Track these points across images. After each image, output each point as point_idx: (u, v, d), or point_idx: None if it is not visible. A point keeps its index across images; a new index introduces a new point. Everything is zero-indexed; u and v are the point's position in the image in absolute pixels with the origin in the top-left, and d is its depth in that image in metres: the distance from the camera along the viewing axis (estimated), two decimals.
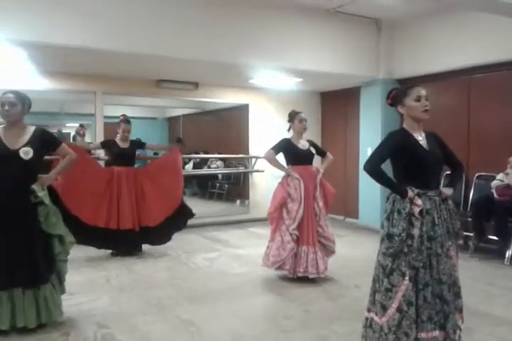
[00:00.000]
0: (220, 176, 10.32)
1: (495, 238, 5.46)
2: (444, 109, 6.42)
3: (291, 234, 4.41)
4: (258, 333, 3.37)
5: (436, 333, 2.51)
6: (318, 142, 7.29)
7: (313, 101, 8.73)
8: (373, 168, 2.60)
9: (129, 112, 9.94)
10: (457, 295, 2.65)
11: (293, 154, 4.63)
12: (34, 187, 3.21)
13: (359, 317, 2.82)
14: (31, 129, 3.31)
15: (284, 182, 4.58)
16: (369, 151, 6.55)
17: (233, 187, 9.83)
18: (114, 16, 5.13)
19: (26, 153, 3.17)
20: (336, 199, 4.98)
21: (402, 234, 2.50)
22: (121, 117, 5.72)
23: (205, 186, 10.61)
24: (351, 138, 8.04)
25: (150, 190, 5.57)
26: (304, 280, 4.47)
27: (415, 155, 2.60)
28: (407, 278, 2.50)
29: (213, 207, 9.53)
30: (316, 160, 4.83)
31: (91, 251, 5.57)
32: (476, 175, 6.17)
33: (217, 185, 10.31)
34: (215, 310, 3.83)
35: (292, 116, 4.72)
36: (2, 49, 5.00)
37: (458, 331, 2.58)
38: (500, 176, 5.57)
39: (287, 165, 4.68)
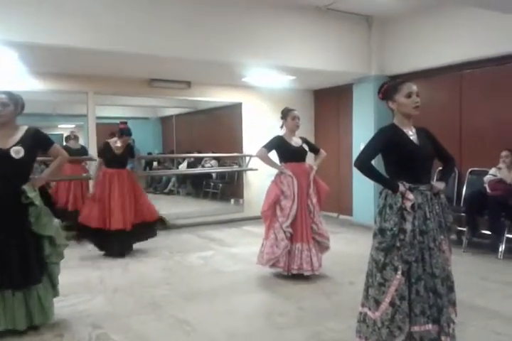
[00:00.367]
0: (214, 175, 10.32)
1: (488, 232, 5.49)
2: (436, 105, 6.44)
3: (284, 232, 4.41)
4: (253, 331, 3.37)
5: (430, 326, 2.52)
6: (312, 139, 7.30)
7: (306, 99, 8.73)
8: (363, 163, 2.60)
9: (122, 112, 10.00)
10: (450, 289, 2.66)
11: (286, 151, 4.62)
12: (25, 187, 3.18)
13: (354, 314, 2.82)
14: (23, 129, 3.30)
15: (277, 180, 4.57)
16: (362, 148, 6.55)
17: (227, 186, 9.83)
18: (105, 16, 5.10)
19: (17, 152, 3.15)
20: (330, 196, 4.98)
21: (394, 229, 2.51)
22: (121, 126, 5.63)
23: (200, 185, 10.61)
24: (344, 135, 8.06)
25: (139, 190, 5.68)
26: (299, 277, 4.47)
27: (406, 150, 2.60)
28: (399, 272, 2.51)
29: (208, 206, 9.53)
30: (310, 157, 4.83)
31: (84, 251, 5.57)
32: (469, 170, 6.19)
33: (212, 184, 10.31)
34: (210, 308, 3.83)
35: (285, 114, 4.71)
36: None
37: (452, 324, 2.58)
38: (492, 171, 5.59)
39: (280, 162, 4.68)
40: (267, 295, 4.22)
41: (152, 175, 11.37)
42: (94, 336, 3.27)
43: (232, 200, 9.19)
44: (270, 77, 7.05)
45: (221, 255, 5.68)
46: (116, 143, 5.54)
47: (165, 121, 12.37)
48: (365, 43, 7.15)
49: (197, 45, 5.66)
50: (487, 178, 5.58)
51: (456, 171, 6.12)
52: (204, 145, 10.62)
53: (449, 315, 2.60)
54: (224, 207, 9.27)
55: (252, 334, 3.32)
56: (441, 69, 6.49)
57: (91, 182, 6.29)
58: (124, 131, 5.56)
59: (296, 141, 4.68)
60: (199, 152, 10.40)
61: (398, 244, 2.51)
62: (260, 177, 7.36)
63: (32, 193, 3.19)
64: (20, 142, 3.20)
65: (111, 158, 5.54)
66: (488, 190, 5.50)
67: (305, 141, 4.77)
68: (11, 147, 3.16)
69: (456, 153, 5.51)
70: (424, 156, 2.64)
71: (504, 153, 5.53)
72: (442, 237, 2.63)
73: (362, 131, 7.31)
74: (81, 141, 8.01)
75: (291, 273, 4.48)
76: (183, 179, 11.24)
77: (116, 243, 5.41)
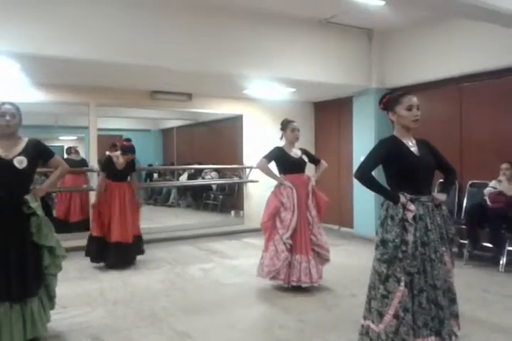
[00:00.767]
0: (214, 187, 10.30)
1: (489, 245, 5.47)
2: (436, 118, 6.47)
3: (284, 243, 4.40)
4: None
5: (432, 339, 2.51)
6: (312, 151, 7.30)
7: (307, 111, 8.78)
8: (364, 174, 2.61)
9: (123, 124, 10.03)
10: (453, 301, 2.65)
11: (285, 162, 4.63)
12: (28, 197, 3.19)
13: (355, 327, 2.80)
14: (25, 140, 3.32)
15: (276, 191, 4.57)
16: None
17: (228, 198, 9.81)
18: (107, 28, 5.16)
19: (20, 162, 3.17)
20: (330, 208, 4.98)
21: (396, 240, 2.51)
22: (125, 144, 5.63)
23: (200, 197, 10.58)
24: (345, 148, 8.07)
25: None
26: (299, 289, 4.45)
27: (406, 161, 2.62)
28: (402, 284, 2.50)
29: (208, 218, 9.49)
30: (311, 168, 4.84)
31: (84, 263, 5.54)
32: (469, 182, 6.19)
33: (212, 196, 10.28)
34: (210, 321, 3.80)
35: (285, 125, 4.73)
36: None
37: (454, 337, 2.57)
38: (492, 183, 5.60)
39: (280, 173, 4.68)
40: (267, 307, 4.19)
41: (152, 187, 11.37)
42: None
43: (233, 212, 9.15)
44: (271, 89, 7.09)
45: (221, 267, 5.65)
46: (119, 158, 5.57)
47: (166, 133, 12.39)
48: (366, 56, 7.21)
49: (198, 57, 5.71)
50: (487, 191, 5.57)
51: (457, 184, 6.12)
52: (205, 158, 10.62)
53: (451, 327, 2.59)
54: (224, 219, 9.23)
55: None
56: (440, 82, 6.53)
57: (92, 193, 6.31)
58: (128, 149, 5.59)
59: (295, 152, 4.68)
60: (199, 164, 10.41)
61: (400, 256, 2.51)
62: (260, 189, 7.35)
63: (34, 203, 3.20)
64: (23, 152, 3.22)
65: (112, 173, 5.57)
66: (488, 202, 5.50)
67: (305, 152, 4.78)
68: (15, 157, 3.17)
69: (456, 165, 5.48)
70: (424, 167, 2.65)
71: (504, 166, 5.54)
72: (444, 249, 2.63)
73: (362, 144, 7.32)
74: (82, 153, 8.05)
75: (290, 285, 4.46)
76: (183, 191, 11.22)
77: (117, 255, 5.40)
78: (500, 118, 5.95)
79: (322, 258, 4.60)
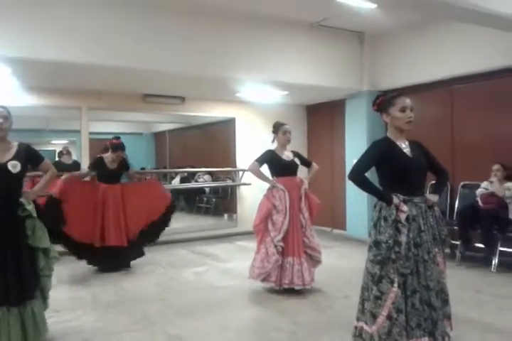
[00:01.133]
0: (207, 190, 10.29)
1: (481, 246, 5.49)
2: (428, 119, 6.50)
3: (275, 246, 4.39)
4: None
5: (426, 340, 2.51)
6: (305, 154, 7.32)
7: (299, 114, 8.80)
8: (357, 175, 2.62)
9: (115, 128, 10.00)
10: (445, 302, 2.66)
11: (277, 165, 4.63)
12: (22, 200, 3.18)
13: (349, 328, 2.80)
14: (15, 144, 3.30)
15: (269, 194, 4.57)
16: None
17: (221, 201, 9.81)
18: (99, 31, 5.15)
19: (14, 167, 3.15)
20: (323, 210, 4.98)
21: (389, 241, 2.52)
22: (115, 141, 5.57)
23: (193, 200, 10.58)
24: (337, 150, 8.09)
25: (133, 203, 5.59)
26: (291, 291, 4.44)
27: (399, 162, 2.63)
28: (395, 285, 2.50)
29: (201, 221, 9.49)
30: (303, 170, 4.84)
31: (77, 267, 5.50)
32: (461, 184, 6.23)
33: (205, 199, 10.28)
34: (203, 324, 3.78)
35: (276, 128, 4.73)
36: None
37: (446, 338, 2.58)
38: (484, 184, 5.63)
39: (272, 176, 4.68)
40: (260, 310, 4.18)
41: None
42: None
43: (226, 215, 9.15)
44: (263, 92, 7.11)
45: (215, 270, 5.63)
46: (110, 158, 5.53)
47: (158, 136, 12.38)
48: (357, 59, 7.24)
49: (191, 60, 5.72)
50: (479, 192, 5.61)
51: (449, 185, 6.15)
52: (197, 161, 10.61)
53: (444, 328, 2.60)
54: (217, 222, 9.22)
55: None
56: (431, 84, 6.57)
57: None
58: (118, 146, 5.53)
59: (287, 155, 4.69)
60: (192, 167, 10.39)
61: (393, 257, 2.52)
62: (253, 192, 7.34)
63: (29, 206, 3.19)
64: (16, 157, 3.20)
65: (104, 173, 5.52)
66: (480, 203, 5.53)
67: (297, 154, 4.79)
68: (8, 161, 3.16)
69: (448, 166, 5.48)
70: (417, 169, 2.66)
71: (495, 167, 5.57)
72: (436, 250, 2.64)
73: (355, 146, 7.34)
74: (74, 157, 8.01)
75: (282, 287, 4.46)
76: (176, 194, 11.19)
77: (112, 259, 5.36)
78: (491, 119, 6.00)
79: (314, 260, 4.60)
